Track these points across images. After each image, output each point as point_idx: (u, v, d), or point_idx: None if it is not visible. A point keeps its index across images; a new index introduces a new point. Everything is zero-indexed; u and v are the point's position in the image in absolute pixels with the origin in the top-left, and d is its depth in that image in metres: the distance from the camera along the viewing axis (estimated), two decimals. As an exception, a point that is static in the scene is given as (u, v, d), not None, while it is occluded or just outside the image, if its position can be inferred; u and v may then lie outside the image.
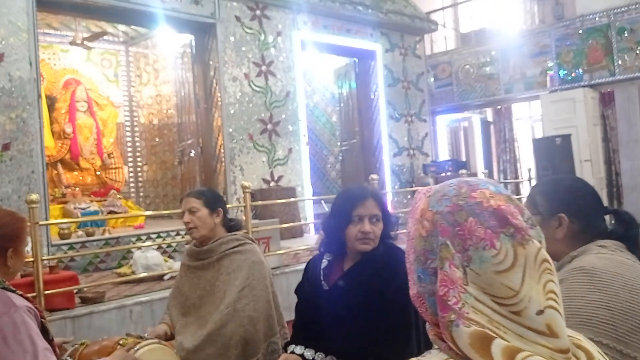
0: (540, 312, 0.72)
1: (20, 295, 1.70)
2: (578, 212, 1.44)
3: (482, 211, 0.75)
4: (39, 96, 5.40)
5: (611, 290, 1.25)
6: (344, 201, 1.91)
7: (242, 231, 2.57)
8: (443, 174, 8.22)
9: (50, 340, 1.72)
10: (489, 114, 12.09)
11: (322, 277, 1.95)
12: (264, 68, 7.22)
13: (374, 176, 5.78)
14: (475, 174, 9.55)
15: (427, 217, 0.79)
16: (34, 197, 3.53)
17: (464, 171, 7.19)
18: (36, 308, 1.73)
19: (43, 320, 1.73)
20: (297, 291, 2.09)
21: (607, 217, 1.50)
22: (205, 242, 2.40)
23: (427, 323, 0.82)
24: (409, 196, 8.43)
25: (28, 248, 1.98)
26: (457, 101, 10.17)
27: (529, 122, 11.89)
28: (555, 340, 0.72)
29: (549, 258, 0.76)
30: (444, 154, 10.58)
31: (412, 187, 8.61)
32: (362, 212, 1.85)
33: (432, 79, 10.24)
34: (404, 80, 9.19)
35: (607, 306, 1.23)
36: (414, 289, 0.82)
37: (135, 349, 1.93)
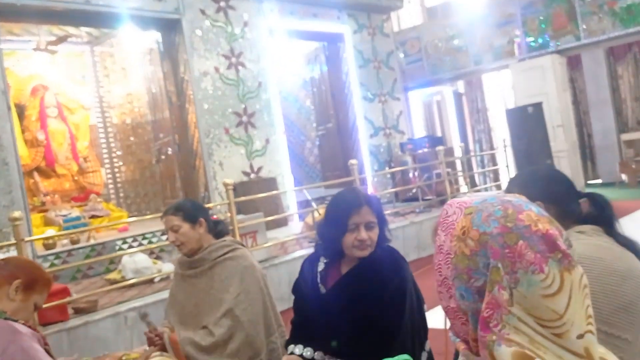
0: (580, 336, 0.75)
1: (23, 324, 1.73)
2: (554, 199, 1.51)
3: (531, 235, 0.76)
4: (9, 108, 5.32)
5: (592, 274, 1.32)
6: (338, 209, 1.92)
7: (229, 236, 2.59)
8: (420, 151, 8.31)
9: (54, 364, 1.75)
10: (460, 85, 12.20)
11: (319, 280, 1.99)
12: (233, 60, 7.18)
13: (353, 161, 5.83)
14: (451, 149, 9.66)
15: (471, 236, 0.79)
16: (17, 214, 3.51)
17: (440, 147, 7.28)
18: (40, 334, 1.76)
19: (47, 346, 1.76)
20: (293, 291, 2.13)
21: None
22: (195, 252, 2.42)
23: (452, 334, 0.85)
24: (388, 176, 8.52)
25: None
26: (428, 76, 10.25)
27: (501, 91, 12.02)
28: None
29: (588, 283, 0.79)
30: (419, 130, 10.68)
31: (391, 166, 8.70)
32: (358, 220, 1.86)
33: (402, 55, 10.29)
34: (375, 60, 9.21)
35: (591, 290, 1.30)
36: (450, 302, 0.83)
37: None
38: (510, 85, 9.87)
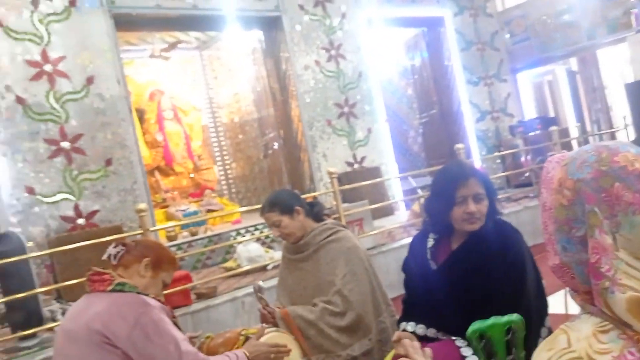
0: None
1: (153, 298, 1.88)
2: None
3: (627, 175, 0.73)
4: (130, 111, 5.77)
5: None
6: (445, 182, 1.88)
7: (331, 218, 2.62)
8: (532, 134, 7.90)
9: (181, 337, 1.89)
10: (573, 63, 11.43)
11: (429, 256, 1.95)
12: (333, 52, 7.26)
13: (460, 145, 5.68)
14: (566, 129, 9.09)
15: (567, 186, 0.77)
16: (142, 206, 3.80)
17: (554, 128, 6.88)
18: (168, 307, 1.90)
19: (174, 319, 1.90)
20: (404, 269, 2.12)
21: None
22: (300, 238, 2.48)
23: (569, 289, 0.83)
24: (498, 161, 8.19)
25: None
26: (537, 55, 9.68)
27: (618, 66, 11.11)
28: None
29: None
30: (530, 112, 10.14)
31: (500, 151, 8.36)
32: (465, 193, 1.82)
33: (507, 36, 9.82)
34: (478, 42, 8.89)
35: None
36: (555, 259, 0.81)
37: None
38: (628, 60, 9.09)
